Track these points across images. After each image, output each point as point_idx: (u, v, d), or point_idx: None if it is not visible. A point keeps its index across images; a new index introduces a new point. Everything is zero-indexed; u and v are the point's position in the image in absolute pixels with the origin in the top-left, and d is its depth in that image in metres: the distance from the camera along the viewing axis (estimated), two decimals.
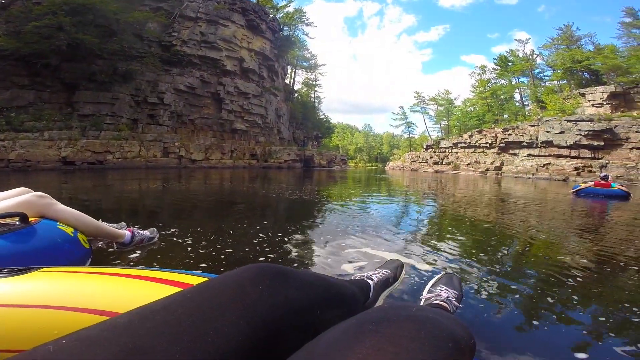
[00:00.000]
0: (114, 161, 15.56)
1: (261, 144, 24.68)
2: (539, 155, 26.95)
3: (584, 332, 1.22)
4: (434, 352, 0.40)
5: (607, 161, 23.48)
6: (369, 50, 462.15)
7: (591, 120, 24.22)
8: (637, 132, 22.57)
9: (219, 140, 21.78)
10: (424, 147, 40.04)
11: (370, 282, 1.03)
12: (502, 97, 37.30)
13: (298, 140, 31.91)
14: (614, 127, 23.37)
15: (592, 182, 8.79)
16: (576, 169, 24.11)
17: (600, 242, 2.92)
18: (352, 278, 1.10)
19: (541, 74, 35.92)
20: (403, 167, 39.23)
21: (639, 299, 1.55)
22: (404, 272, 1.27)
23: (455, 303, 1.09)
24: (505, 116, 35.04)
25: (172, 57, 20.95)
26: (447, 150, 36.29)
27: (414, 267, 1.88)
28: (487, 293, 1.54)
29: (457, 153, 34.73)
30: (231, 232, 2.59)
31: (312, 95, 41.96)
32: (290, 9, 34.34)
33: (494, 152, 30.95)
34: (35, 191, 1.61)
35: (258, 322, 0.48)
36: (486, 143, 31.61)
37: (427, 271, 1.81)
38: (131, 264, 1.73)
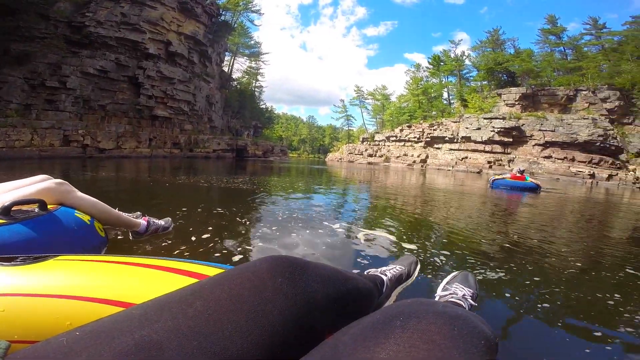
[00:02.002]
0: None
1: (187, 132, 23.35)
2: (458, 150, 29.11)
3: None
4: (468, 349, 0.39)
5: (514, 156, 26.07)
6: (319, 40, 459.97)
7: (503, 118, 26.65)
8: (539, 130, 25.30)
9: (135, 128, 20.13)
10: (361, 140, 41.16)
11: (384, 277, 1.01)
12: (432, 94, 39.50)
13: (233, 130, 30.80)
14: (522, 125, 25.98)
15: (509, 175, 9.17)
16: (489, 162, 26.45)
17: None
18: (366, 273, 1.07)
19: (468, 74, 38.67)
20: (341, 159, 40.06)
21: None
22: (418, 268, 1.25)
23: (471, 301, 1.06)
24: (434, 113, 37.23)
25: (83, 39, 18.82)
26: (380, 143, 37.70)
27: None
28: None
29: (389, 146, 36.26)
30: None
31: (254, 84, 40.77)
32: None
33: (420, 146, 32.82)
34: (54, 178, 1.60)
35: (276, 315, 0.47)
36: (414, 137, 33.39)
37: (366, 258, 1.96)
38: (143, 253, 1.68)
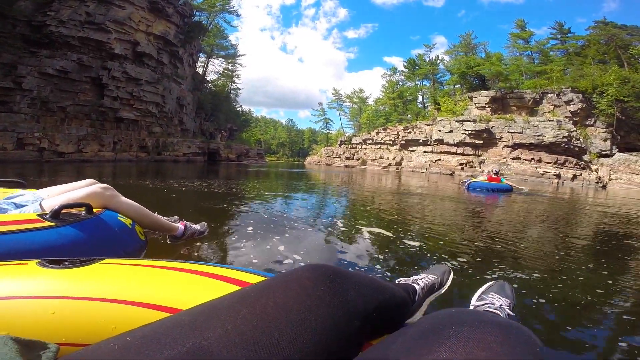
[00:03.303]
0: None
1: (155, 135, 22.61)
2: (432, 152, 29.50)
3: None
4: (525, 357, 0.39)
5: (484, 158, 26.62)
6: (300, 42, 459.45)
7: (474, 121, 27.19)
8: (508, 132, 25.94)
9: (98, 130, 19.30)
10: (339, 143, 41.19)
11: (417, 286, 1.00)
12: (407, 98, 40.03)
13: (207, 133, 30.12)
14: (491, 128, 26.57)
15: (486, 177, 9.06)
16: (460, 164, 26.89)
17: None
18: (397, 282, 1.05)
19: (441, 78, 39.44)
20: (319, 162, 39.90)
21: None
22: (451, 278, 1.23)
23: (509, 311, 1.04)
24: (409, 116, 37.71)
25: (43, 38, 17.94)
26: (357, 146, 37.81)
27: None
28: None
29: (365, 149, 36.40)
30: None
31: (230, 87, 40.15)
32: None
33: (396, 149, 33.10)
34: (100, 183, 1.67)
35: (319, 324, 0.48)
36: (390, 140, 33.65)
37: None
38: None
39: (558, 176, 22.03)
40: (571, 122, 24.92)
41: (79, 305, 0.63)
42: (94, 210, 1.45)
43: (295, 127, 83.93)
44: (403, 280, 1.07)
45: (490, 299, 1.09)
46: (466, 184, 9.09)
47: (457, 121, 28.09)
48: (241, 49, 79.55)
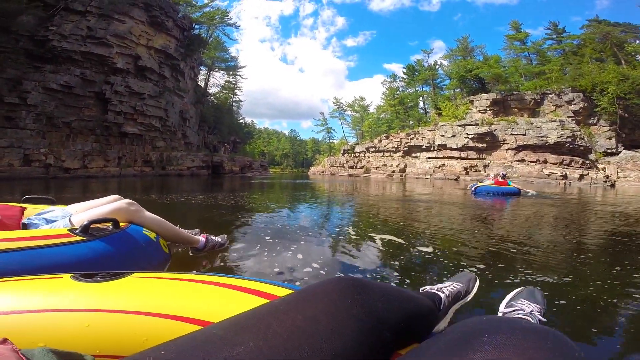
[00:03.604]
0: None
1: (159, 149, 22.63)
2: (435, 158, 29.44)
3: None
4: None
5: (489, 161, 26.53)
6: (300, 52, 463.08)
7: (476, 125, 27.20)
8: (511, 134, 25.92)
9: (103, 146, 19.34)
10: (342, 152, 41.22)
11: (442, 295, 0.99)
12: (408, 104, 40.22)
13: (210, 146, 30.17)
14: (494, 131, 26.55)
15: (492, 181, 8.92)
16: (465, 168, 26.79)
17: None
18: (422, 290, 1.06)
19: (441, 83, 39.73)
20: (323, 172, 39.85)
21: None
22: (476, 286, 1.21)
23: (540, 317, 1.03)
24: (411, 122, 37.83)
25: (46, 53, 18.13)
26: (360, 154, 37.82)
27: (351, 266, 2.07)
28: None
29: (368, 157, 36.37)
30: None
31: (232, 99, 40.45)
32: (211, 8, 32.71)
33: (399, 156, 33.05)
34: (125, 198, 1.75)
35: (349, 336, 0.48)
36: (393, 147, 33.64)
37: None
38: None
39: (565, 177, 21.86)
40: (574, 121, 24.91)
41: (112, 318, 0.65)
42: (120, 224, 1.52)
43: (298, 138, 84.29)
44: (427, 288, 1.07)
45: (520, 305, 1.07)
46: (473, 189, 8.96)
47: (459, 125, 28.10)
48: (242, 61, 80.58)
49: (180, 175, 21.98)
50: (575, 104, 25.45)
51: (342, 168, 38.12)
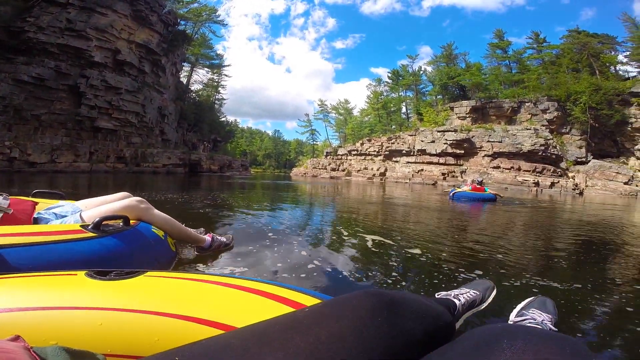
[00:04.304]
0: None
1: (134, 145, 22.21)
2: (415, 162, 29.75)
3: None
4: None
5: (466, 167, 26.95)
6: (288, 52, 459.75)
7: (455, 131, 27.61)
8: (488, 141, 26.41)
9: (74, 140, 18.86)
10: (325, 154, 41.27)
11: (457, 302, 0.99)
12: (391, 109, 40.58)
13: (189, 144, 29.78)
14: (472, 137, 27.00)
15: (470, 187, 9.06)
16: (443, 174, 27.15)
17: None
18: (437, 296, 1.05)
19: (424, 89, 40.22)
20: (305, 173, 39.81)
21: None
22: (493, 294, 1.19)
23: (552, 327, 1.02)
24: (393, 127, 38.13)
25: (20, 45, 17.62)
26: (343, 157, 37.94)
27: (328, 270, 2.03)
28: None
29: (350, 160, 36.52)
30: None
31: (214, 97, 40.04)
32: (198, 4, 32.39)
33: (380, 159, 33.29)
34: (134, 196, 1.80)
35: (377, 356, 0.47)
36: (374, 151, 33.87)
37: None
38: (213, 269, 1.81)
39: (537, 184, 22.40)
40: (548, 130, 25.56)
41: (125, 317, 0.64)
42: (130, 222, 1.54)
43: (281, 138, 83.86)
44: (443, 294, 1.05)
45: (532, 315, 1.06)
46: (451, 194, 9.10)
47: (438, 131, 28.49)
48: (228, 59, 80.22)
49: (156, 172, 21.62)
50: (549, 112, 26.12)
51: (325, 170, 38.17)
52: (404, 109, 40.89)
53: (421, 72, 40.15)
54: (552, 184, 22.23)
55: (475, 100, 29.97)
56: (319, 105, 51.45)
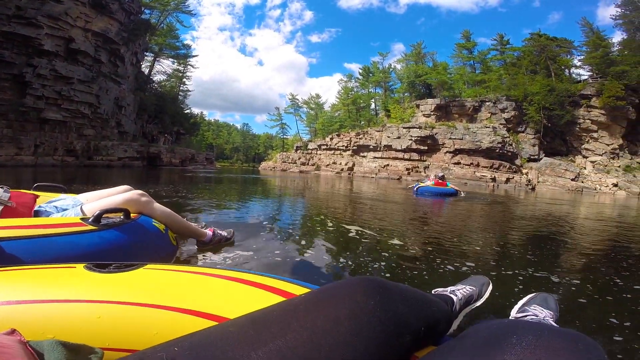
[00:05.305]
0: None
1: (87, 137, 21.06)
2: (381, 158, 30.17)
3: None
4: None
5: (429, 163, 27.61)
6: (261, 44, 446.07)
7: (420, 128, 28.19)
8: (450, 138, 27.15)
9: (16, 132, 17.61)
10: (294, 148, 41.04)
11: (454, 298, 0.99)
12: (361, 104, 40.86)
13: (149, 136, 28.63)
14: (435, 134, 27.67)
15: (433, 182, 9.22)
16: (407, 169, 27.70)
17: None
18: (434, 292, 1.05)
19: (393, 86, 40.73)
20: (274, 167, 39.47)
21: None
22: (489, 289, 1.19)
23: (553, 324, 1.01)
24: (362, 122, 38.44)
25: None
26: (312, 151, 37.90)
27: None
28: None
29: (320, 155, 36.55)
30: None
31: (179, 88, 38.66)
32: None
33: (348, 154, 33.55)
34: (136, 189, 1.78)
35: (372, 339, 0.48)
36: (343, 146, 34.08)
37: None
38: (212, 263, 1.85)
39: (494, 179, 23.31)
40: (505, 128, 26.61)
41: (123, 310, 0.63)
42: (131, 215, 1.52)
43: (250, 132, 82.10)
44: (440, 290, 1.06)
45: (533, 311, 1.06)
46: (415, 189, 9.25)
47: (404, 128, 28.99)
48: (196, 49, 77.53)
49: (110, 166, 20.64)
50: (507, 112, 27.17)
51: (294, 164, 38.01)
52: (373, 105, 41.34)
53: (391, 69, 40.66)
54: (508, 180, 23.22)
55: (440, 99, 30.67)
56: (290, 99, 51.05)
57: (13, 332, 0.43)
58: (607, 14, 39.86)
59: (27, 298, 0.64)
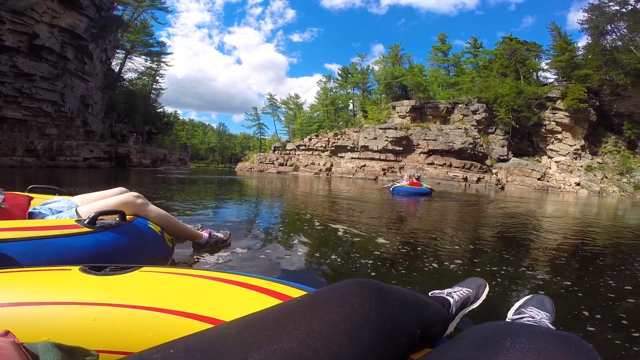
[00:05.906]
0: None
1: (49, 137, 20.10)
2: (358, 158, 30.38)
3: None
4: None
5: (404, 163, 28.00)
6: (240, 43, 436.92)
7: (395, 129, 28.54)
8: (424, 139, 27.64)
9: None
10: (272, 148, 40.72)
11: (451, 300, 0.99)
12: (339, 105, 41.03)
13: (118, 136, 27.62)
14: (410, 135, 28.09)
15: (408, 182, 9.31)
16: (383, 169, 28.00)
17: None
18: (430, 294, 1.04)
19: (370, 87, 41.14)
20: (251, 168, 38.97)
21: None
22: (486, 292, 1.18)
23: (549, 325, 1.01)
24: (340, 123, 38.63)
25: None
26: (291, 152, 37.70)
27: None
28: None
29: (298, 155, 36.40)
30: None
31: (152, 87, 37.55)
32: None
33: (326, 155, 33.57)
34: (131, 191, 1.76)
35: (367, 342, 0.48)
36: (321, 146, 34.07)
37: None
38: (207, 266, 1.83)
39: (465, 179, 23.92)
40: (476, 129, 27.35)
41: (119, 312, 0.63)
42: (127, 217, 1.51)
43: (227, 132, 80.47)
44: (436, 292, 1.05)
45: (530, 313, 1.05)
46: (391, 189, 9.31)
47: (380, 128, 29.28)
48: (172, 46, 75.56)
49: (75, 167, 19.77)
50: (479, 113, 27.94)
51: (272, 165, 37.67)
52: (351, 106, 41.60)
53: (369, 70, 41.06)
54: (479, 179, 23.87)
55: (415, 100, 31.18)
56: (268, 99, 50.65)
57: (7, 333, 0.42)
58: (577, 18, 41.62)
59: (22, 300, 0.63)
